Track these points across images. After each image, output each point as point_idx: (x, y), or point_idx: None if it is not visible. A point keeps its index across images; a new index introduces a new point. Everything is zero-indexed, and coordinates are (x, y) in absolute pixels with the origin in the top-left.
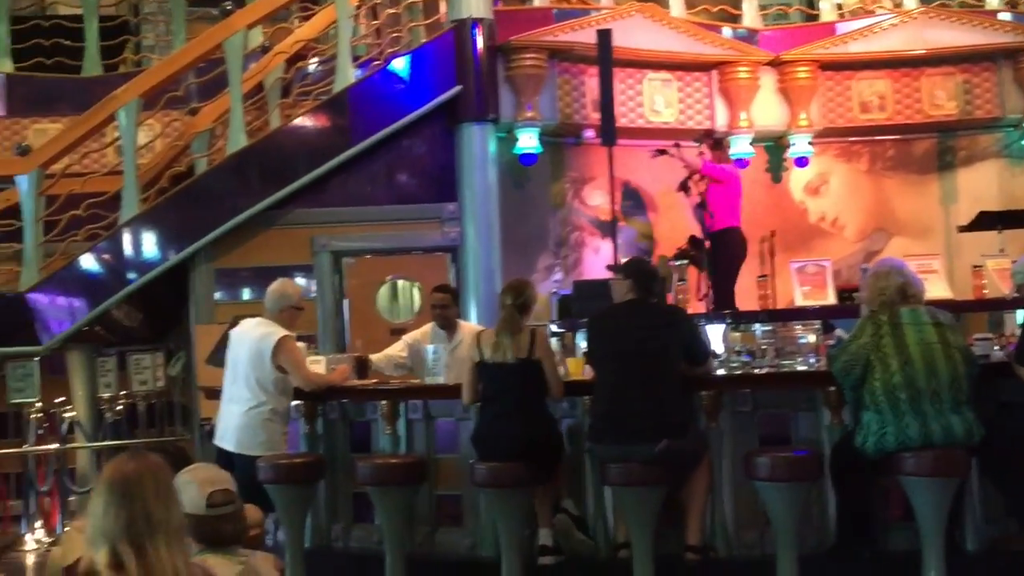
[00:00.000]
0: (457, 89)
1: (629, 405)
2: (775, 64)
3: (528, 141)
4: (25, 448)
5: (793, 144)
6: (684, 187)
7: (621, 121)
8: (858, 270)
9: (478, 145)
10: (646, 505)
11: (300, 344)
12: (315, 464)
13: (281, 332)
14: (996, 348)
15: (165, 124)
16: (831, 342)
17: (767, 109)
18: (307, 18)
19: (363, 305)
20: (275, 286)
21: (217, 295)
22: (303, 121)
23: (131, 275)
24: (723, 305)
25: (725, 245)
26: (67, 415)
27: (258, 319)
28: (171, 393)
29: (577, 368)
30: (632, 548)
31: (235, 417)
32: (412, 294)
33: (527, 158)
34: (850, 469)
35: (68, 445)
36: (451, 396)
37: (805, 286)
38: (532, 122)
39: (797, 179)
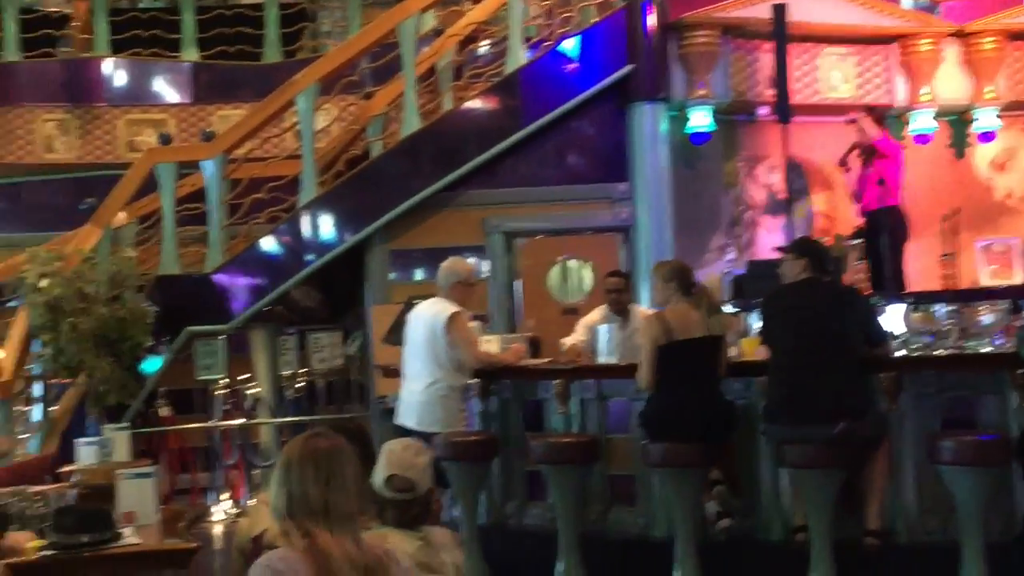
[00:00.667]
0: (629, 68)
1: (806, 386)
2: (959, 35)
3: (700, 119)
4: (211, 423)
5: (978, 118)
6: (843, 162)
7: (796, 98)
8: None
9: (649, 124)
10: (824, 488)
11: (474, 323)
12: (489, 442)
13: (453, 308)
14: None
15: (342, 108)
16: (1020, 323)
17: (950, 82)
18: (478, 1)
19: (535, 285)
20: (445, 264)
21: (392, 276)
22: (475, 103)
23: (309, 256)
24: (894, 286)
25: (890, 223)
26: (251, 392)
27: (434, 298)
28: (349, 371)
29: (751, 348)
30: (809, 532)
31: (414, 395)
32: (583, 274)
33: (699, 137)
34: None
35: (252, 421)
36: (624, 376)
37: (991, 265)
38: (705, 100)
39: (982, 154)
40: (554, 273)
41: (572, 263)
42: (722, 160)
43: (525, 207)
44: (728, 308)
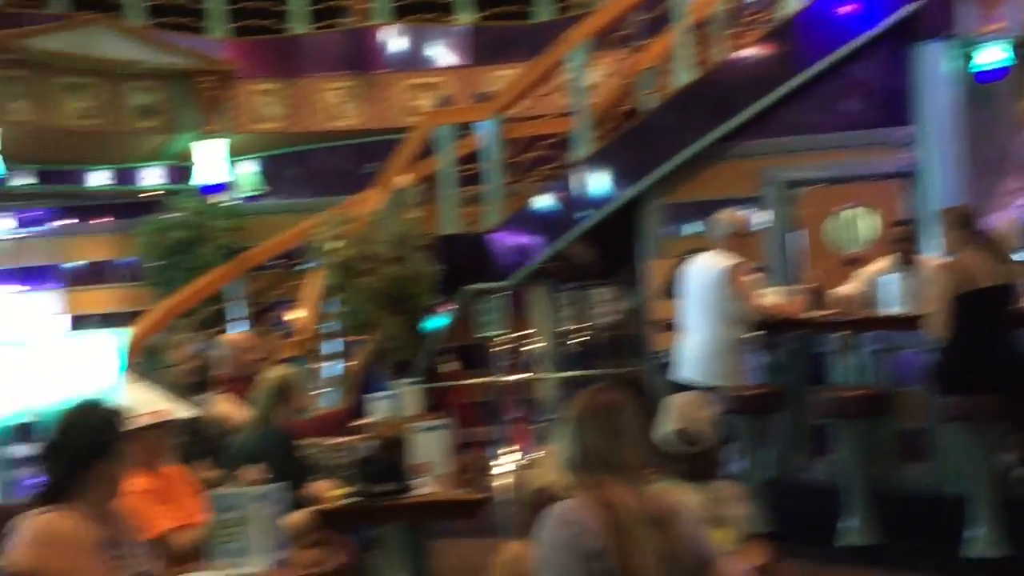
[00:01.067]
0: (915, 5)
1: None
2: None
3: (995, 55)
4: (493, 379)
5: None
6: None
7: None
8: None
9: (936, 64)
10: None
11: (756, 275)
12: (774, 395)
13: (731, 261)
14: None
15: (614, 63)
16: None
17: None
18: None
19: (816, 236)
20: (718, 216)
21: (667, 230)
22: (748, 52)
23: (583, 213)
24: None
25: None
26: (530, 347)
27: (711, 252)
28: (625, 326)
29: None
30: None
31: (691, 349)
32: (867, 223)
33: (993, 73)
34: None
35: (533, 376)
36: (911, 328)
37: None
38: (999, 34)
39: None
40: (836, 222)
41: (854, 212)
42: (1016, 98)
43: (803, 155)
44: (1022, 255)
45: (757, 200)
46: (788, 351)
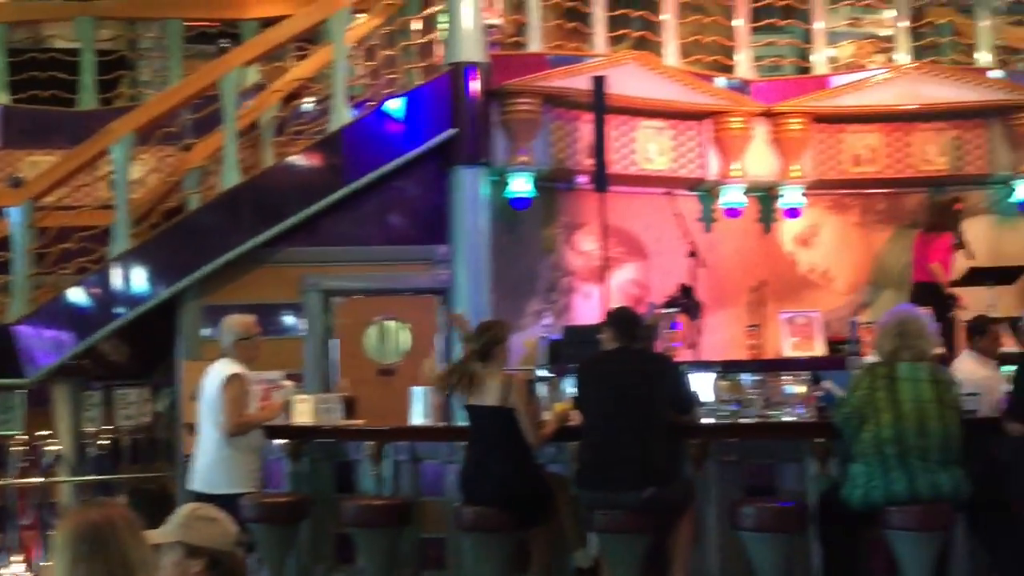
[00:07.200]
0: (451, 132)
1: (616, 452)
2: (768, 115)
3: (521, 185)
4: (7, 481)
5: (784, 195)
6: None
7: (614, 168)
8: (847, 322)
9: (470, 188)
10: (631, 553)
11: (288, 382)
12: (299, 503)
13: (230, 371)
14: None
15: (159, 159)
16: (819, 393)
17: (759, 159)
18: (303, 57)
19: (351, 345)
20: (224, 321)
21: (205, 332)
22: (296, 160)
23: (120, 309)
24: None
25: None
26: (51, 448)
27: (222, 358)
28: (156, 429)
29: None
30: None
31: (200, 457)
32: (401, 335)
33: (519, 202)
34: (836, 521)
35: (51, 479)
36: (438, 438)
37: (794, 337)
38: (525, 166)
39: (788, 230)
40: (371, 333)
41: (390, 324)
42: (542, 226)
43: (344, 266)
44: (543, 373)
45: (297, 307)
46: (313, 460)
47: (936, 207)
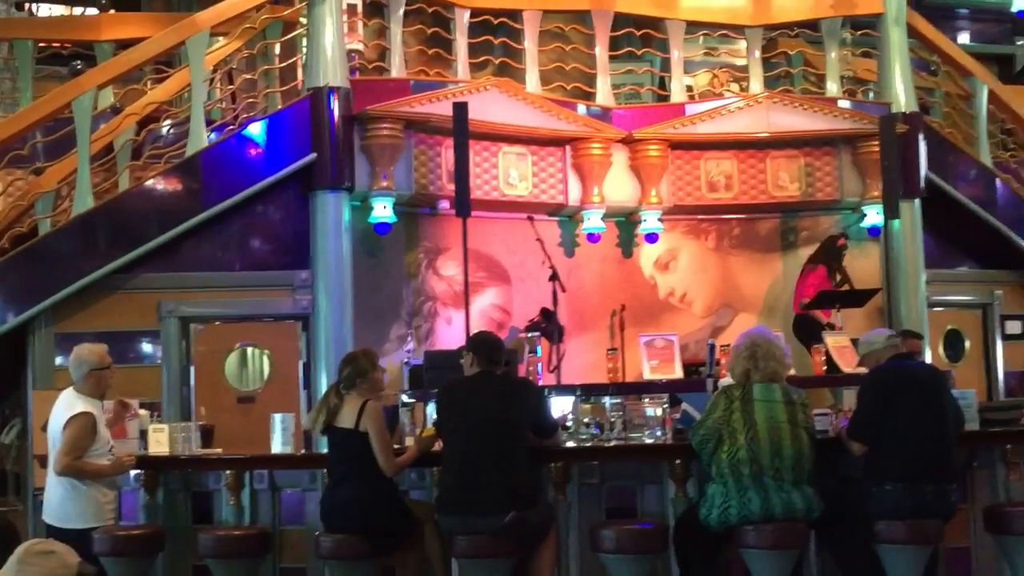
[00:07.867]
0: (312, 156)
1: (477, 476)
2: (627, 142)
3: (383, 211)
4: None
5: (644, 220)
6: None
7: (476, 193)
8: (704, 345)
9: (332, 213)
10: None
11: (142, 411)
12: (154, 536)
13: (75, 411)
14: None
15: (8, 183)
16: (677, 416)
17: (619, 185)
18: (160, 80)
19: (211, 373)
20: (72, 354)
21: (58, 360)
22: (153, 184)
23: None
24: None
25: None
26: None
27: (71, 389)
28: (4, 461)
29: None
30: None
31: (49, 490)
32: (261, 362)
33: (381, 227)
34: (694, 541)
35: None
36: (297, 466)
37: (653, 360)
38: (387, 192)
39: (647, 255)
40: (232, 360)
41: (250, 350)
42: (404, 251)
43: (203, 292)
44: (404, 398)
45: (155, 334)
46: (169, 490)
47: (822, 243)
